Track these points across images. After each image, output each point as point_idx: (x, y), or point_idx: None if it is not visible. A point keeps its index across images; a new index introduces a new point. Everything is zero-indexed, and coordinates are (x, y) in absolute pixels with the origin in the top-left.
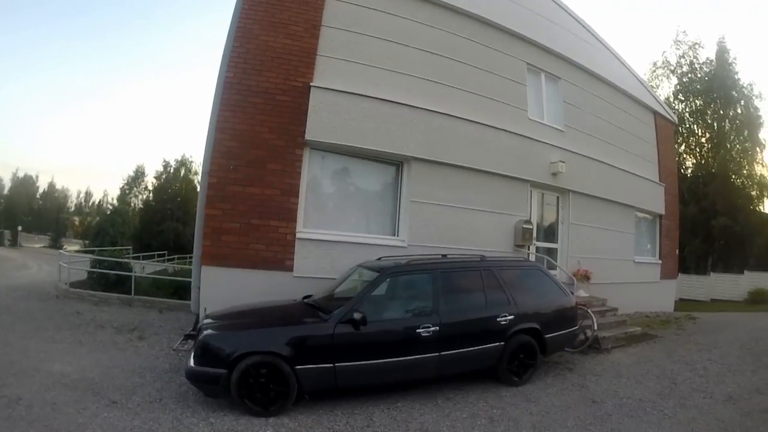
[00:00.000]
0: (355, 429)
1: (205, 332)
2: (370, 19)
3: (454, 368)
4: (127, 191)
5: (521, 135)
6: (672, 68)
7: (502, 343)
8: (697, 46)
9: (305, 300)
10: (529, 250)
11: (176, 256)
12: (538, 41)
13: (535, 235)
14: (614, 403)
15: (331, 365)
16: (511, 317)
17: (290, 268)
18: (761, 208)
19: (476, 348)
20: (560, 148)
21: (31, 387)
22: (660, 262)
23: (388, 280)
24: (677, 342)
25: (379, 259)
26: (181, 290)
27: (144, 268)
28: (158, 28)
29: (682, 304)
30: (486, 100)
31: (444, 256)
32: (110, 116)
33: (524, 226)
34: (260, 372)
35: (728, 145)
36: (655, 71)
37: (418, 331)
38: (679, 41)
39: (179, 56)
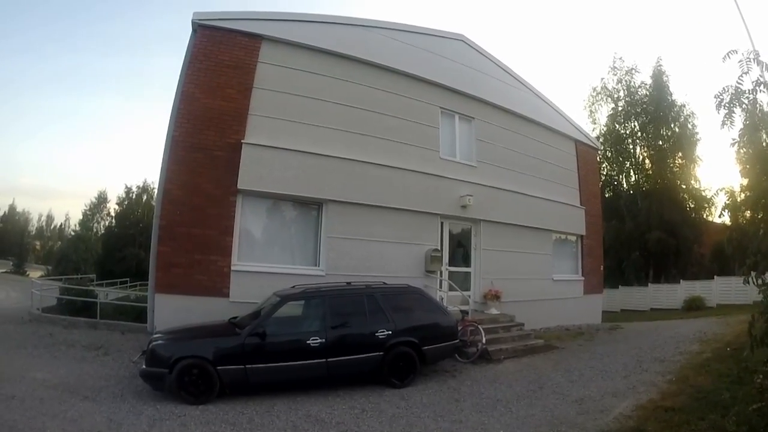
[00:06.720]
0: (259, 412)
1: (154, 343)
2: (294, 79)
3: (340, 371)
4: (90, 216)
5: (431, 174)
6: (609, 93)
7: (381, 353)
8: (633, 71)
9: (230, 320)
10: (441, 274)
11: (138, 283)
12: (452, 86)
13: (446, 260)
14: (473, 402)
15: (243, 366)
16: (389, 332)
17: (227, 295)
18: (701, 218)
19: (358, 356)
20: (470, 182)
21: (21, 388)
22: (582, 278)
23: (286, 304)
24: (575, 352)
25: (293, 287)
26: (143, 315)
27: (107, 294)
28: (119, 54)
29: (621, 314)
30: (398, 144)
31: (348, 283)
32: (71, 137)
33: (432, 254)
34: (192, 372)
35: (667, 161)
36: (595, 96)
37: (308, 342)
38: (616, 68)
39: (142, 82)
